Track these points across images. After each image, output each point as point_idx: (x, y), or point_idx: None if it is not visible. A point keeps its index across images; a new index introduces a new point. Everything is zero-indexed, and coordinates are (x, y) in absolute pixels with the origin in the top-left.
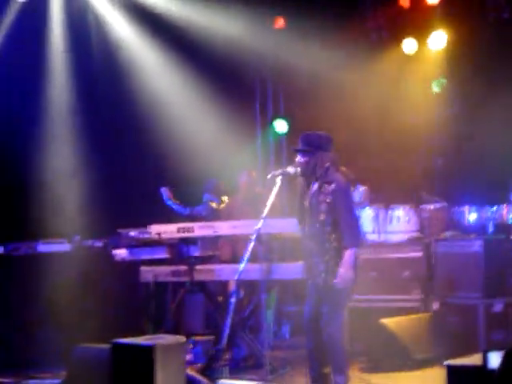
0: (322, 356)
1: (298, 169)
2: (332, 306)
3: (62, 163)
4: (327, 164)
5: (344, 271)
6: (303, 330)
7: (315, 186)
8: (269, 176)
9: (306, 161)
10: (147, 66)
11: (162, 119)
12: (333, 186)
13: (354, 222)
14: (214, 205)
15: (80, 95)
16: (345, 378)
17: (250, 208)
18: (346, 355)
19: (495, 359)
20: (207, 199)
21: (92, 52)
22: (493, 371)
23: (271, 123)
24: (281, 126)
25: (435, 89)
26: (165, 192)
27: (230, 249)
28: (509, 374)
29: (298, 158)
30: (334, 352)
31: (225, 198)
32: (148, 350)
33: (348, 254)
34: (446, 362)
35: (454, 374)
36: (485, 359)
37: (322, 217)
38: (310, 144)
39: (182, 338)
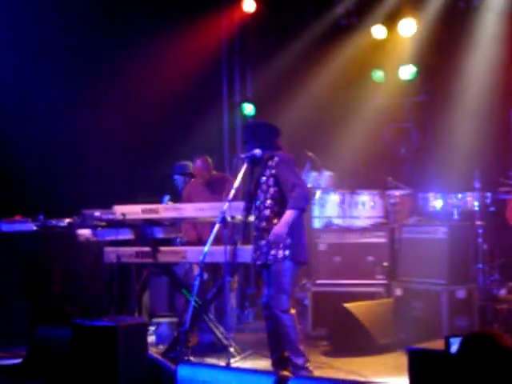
0: (279, 339)
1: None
2: (276, 288)
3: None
4: (272, 151)
5: (278, 227)
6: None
7: (260, 167)
8: (236, 159)
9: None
10: None
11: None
12: (276, 158)
13: (299, 186)
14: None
15: None
16: (303, 359)
17: (209, 190)
18: (298, 337)
19: (457, 344)
20: (177, 181)
21: None
22: (454, 355)
23: (240, 105)
24: (248, 109)
25: (403, 76)
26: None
27: (195, 231)
28: (467, 359)
29: (246, 148)
30: (285, 335)
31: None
32: (110, 331)
33: (287, 213)
34: (408, 347)
35: (415, 358)
36: (447, 344)
37: (272, 190)
38: (254, 133)
39: (144, 319)
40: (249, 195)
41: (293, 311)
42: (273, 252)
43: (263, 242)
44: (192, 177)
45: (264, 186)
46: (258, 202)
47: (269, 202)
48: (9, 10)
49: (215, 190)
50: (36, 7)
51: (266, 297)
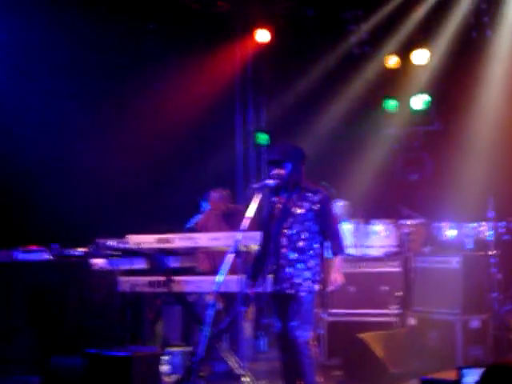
0: (295, 370)
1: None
2: (302, 319)
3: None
4: (301, 175)
5: (338, 276)
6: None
7: (293, 196)
8: (248, 189)
9: (284, 172)
10: None
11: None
12: (319, 195)
13: (340, 230)
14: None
15: None
16: None
17: (224, 222)
18: (316, 369)
19: (470, 375)
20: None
21: None
22: None
23: (254, 135)
24: (262, 139)
25: (415, 105)
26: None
27: (209, 261)
28: None
29: (276, 170)
30: (305, 366)
31: None
32: (125, 361)
33: (338, 260)
34: (422, 377)
35: None
36: (459, 375)
37: (309, 223)
38: (285, 154)
39: (158, 349)
40: (269, 222)
41: (314, 341)
42: (306, 284)
43: (296, 273)
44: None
45: (299, 218)
46: (291, 232)
47: (305, 234)
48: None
49: (230, 221)
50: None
51: (282, 327)
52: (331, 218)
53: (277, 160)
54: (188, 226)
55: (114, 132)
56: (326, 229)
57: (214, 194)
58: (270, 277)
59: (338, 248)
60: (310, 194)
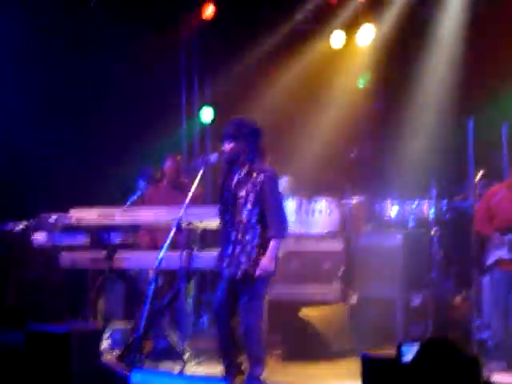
0: (235, 345)
1: (220, 157)
2: (250, 297)
3: None
4: (253, 153)
5: (267, 262)
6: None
7: (241, 175)
8: (192, 165)
9: (232, 148)
10: None
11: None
12: (261, 175)
13: (282, 213)
14: None
15: None
16: (261, 369)
17: (174, 193)
18: (263, 346)
19: (410, 352)
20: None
21: None
22: (406, 364)
23: (198, 111)
24: (207, 114)
25: (360, 84)
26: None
27: (150, 236)
28: (423, 366)
29: (224, 145)
30: (251, 343)
31: None
32: (64, 337)
33: (272, 245)
34: (362, 354)
35: (368, 365)
36: (399, 352)
37: (250, 206)
38: (237, 130)
39: (98, 326)
40: (222, 202)
41: (263, 319)
42: (245, 266)
43: (237, 254)
44: (156, 183)
45: (242, 199)
46: (234, 211)
47: (246, 214)
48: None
49: (181, 194)
50: None
51: (220, 302)
52: (271, 200)
53: (228, 135)
54: (127, 204)
55: (59, 104)
56: (266, 210)
57: (167, 162)
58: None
59: (274, 231)
60: (254, 174)
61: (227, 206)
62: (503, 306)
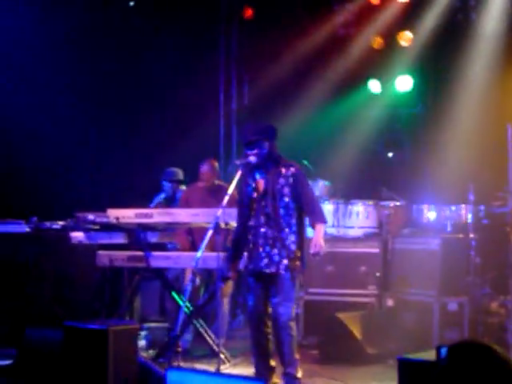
0: (268, 347)
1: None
2: (285, 296)
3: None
4: (276, 152)
5: (318, 240)
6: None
7: (270, 173)
8: (231, 165)
9: (258, 151)
10: None
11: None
12: (292, 169)
13: (318, 201)
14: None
15: None
16: (296, 368)
17: (210, 198)
18: (296, 346)
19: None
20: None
21: None
22: (440, 366)
23: (237, 113)
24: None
25: (400, 87)
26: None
27: (188, 237)
28: (454, 368)
29: (251, 150)
30: (286, 344)
31: (182, 187)
32: (101, 334)
33: (319, 228)
34: (399, 357)
35: (405, 368)
36: (438, 354)
37: (287, 199)
38: (260, 134)
39: (135, 323)
40: (248, 201)
41: (296, 319)
42: (285, 262)
43: (275, 251)
44: (180, 183)
45: (277, 195)
46: (269, 210)
47: (283, 211)
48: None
49: (217, 197)
50: None
51: (258, 305)
52: (307, 190)
53: (254, 140)
54: (151, 205)
55: (93, 106)
56: (304, 201)
57: (204, 166)
58: (247, 254)
59: (317, 217)
60: (283, 170)
61: (253, 209)
62: None
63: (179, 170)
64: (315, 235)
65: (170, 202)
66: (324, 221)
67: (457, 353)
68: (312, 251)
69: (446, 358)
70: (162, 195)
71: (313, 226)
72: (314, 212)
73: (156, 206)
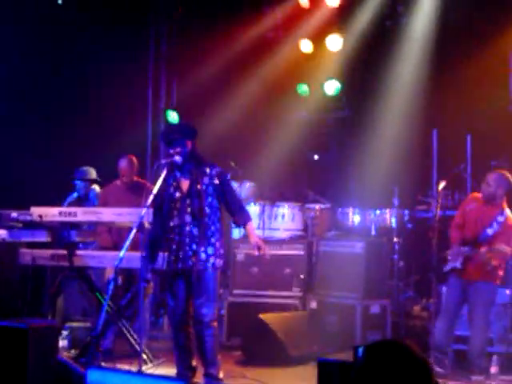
0: (190, 348)
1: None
2: (209, 296)
3: None
4: (197, 151)
5: (257, 240)
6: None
7: (194, 173)
8: (156, 165)
9: (180, 150)
10: None
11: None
12: (217, 169)
13: (241, 199)
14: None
15: None
16: (218, 369)
17: (129, 194)
18: (218, 346)
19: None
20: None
21: None
22: (356, 365)
23: (164, 112)
24: (173, 117)
25: (328, 91)
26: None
27: (110, 236)
28: (366, 370)
29: (177, 149)
30: (208, 344)
31: (95, 187)
32: (21, 332)
33: (253, 228)
34: (319, 358)
35: (325, 369)
36: (355, 354)
37: (210, 199)
38: (181, 133)
39: (56, 323)
40: (169, 201)
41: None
42: (211, 260)
43: (202, 249)
44: (92, 183)
45: (202, 193)
46: (194, 209)
47: (207, 209)
48: None
49: (135, 194)
50: None
51: (178, 306)
52: (232, 190)
53: (176, 138)
54: (64, 204)
55: (19, 103)
56: (230, 200)
57: (123, 162)
58: (169, 255)
59: (246, 216)
60: (207, 169)
61: (176, 208)
62: (452, 312)
63: (91, 169)
64: (252, 236)
65: (83, 201)
66: (251, 218)
67: (372, 352)
68: (257, 253)
69: (362, 358)
70: (75, 194)
71: (243, 226)
72: (241, 211)
73: (69, 206)
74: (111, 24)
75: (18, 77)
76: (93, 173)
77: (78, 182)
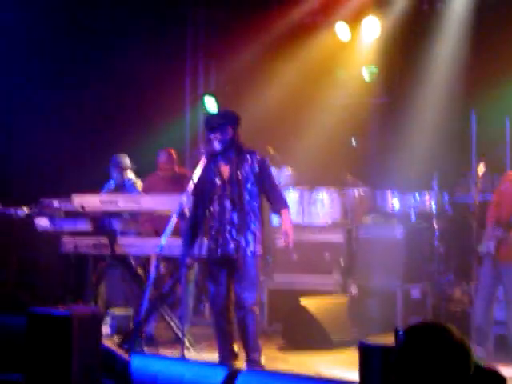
0: (232, 334)
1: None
2: (250, 282)
3: None
4: (238, 139)
5: (288, 228)
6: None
7: (234, 160)
8: (196, 153)
9: (222, 137)
10: None
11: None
12: (257, 156)
13: (279, 186)
14: (138, 184)
15: None
16: (259, 354)
17: (172, 186)
18: (259, 330)
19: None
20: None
21: None
22: (396, 348)
23: (202, 99)
24: (210, 103)
25: (366, 77)
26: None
27: (151, 223)
28: (406, 352)
29: (213, 135)
30: (249, 328)
31: (129, 173)
32: (65, 320)
33: (288, 213)
34: (360, 342)
35: (367, 352)
36: (396, 338)
37: (251, 185)
38: (223, 119)
39: (99, 310)
40: (210, 187)
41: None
42: (251, 247)
43: (241, 236)
44: (127, 170)
45: (243, 180)
46: (234, 196)
47: (247, 197)
48: None
49: (177, 185)
50: None
51: (220, 291)
52: (271, 177)
53: (218, 125)
54: (102, 192)
55: (56, 93)
56: (268, 187)
57: (162, 155)
58: (209, 241)
59: (283, 203)
60: (247, 156)
61: (217, 194)
62: (487, 293)
63: (126, 157)
64: (285, 223)
65: (120, 188)
66: (288, 206)
67: (411, 334)
68: (283, 242)
69: (401, 340)
70: (112, 182)
71: (278, 212)
72: (279, 198)
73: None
74: (149, 13)
75: (59, 65)
76: (126, 160)
77: (112, 170)
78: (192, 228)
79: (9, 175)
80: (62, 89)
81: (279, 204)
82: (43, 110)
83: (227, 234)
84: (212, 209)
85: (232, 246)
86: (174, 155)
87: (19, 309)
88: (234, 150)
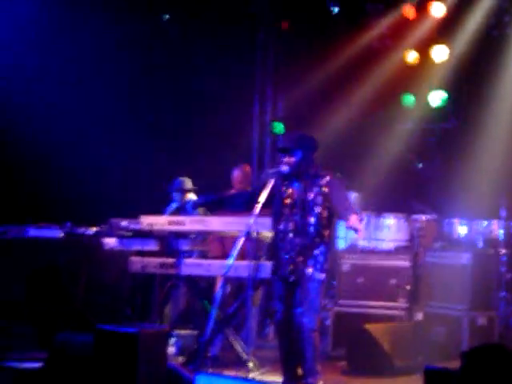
0: (296, 357)
1: (282, 169)
2: (309, 306)
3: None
4: (312, 163)
5: (357, 224)
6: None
7: (302, 183)
8: (263, 174)
9: (294, 160)
10: None
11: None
12: (327, 178)
13: (350, 199)
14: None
15: None
16: (316, 380)
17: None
18: (317, 358)
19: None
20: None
21: None
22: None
23: (270, 124)
24: (278, 129)
25: (433, 101)
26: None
27: (220, 244)
28: (468, 373)
29: (287, 158)
30: (307, 353)
31: (190, 195)
32: (132, 337)
33: (355, 216)
34: (426, 366)
35: (432, 377)
36: (463, 360)
37: (318, 209)
38: (295, 142)
39: (165, 328)
40: (279, 207)
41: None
42: (310, 270)
43: (301, 259)
44: (188, 192)
45: (309, 203)
46: (297, 217)
47: (313, 219)
48: None
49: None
50: None
51: (285, 314)
52: (339, 191)
53: (287, 148)
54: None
55: (129, 113)
56: (335, 201)
57: (236, 172)
58: (273, 262)
59: (352, 210)
60: (318, 179)
61: (283, 214)
62: None
63: (187, 179)
64: (352, 221)
65: (181, 210)
66: (358, 212)
67: (474, 355)
68: (347, 226)
69: (464, 361)
70: (174, 205)
71: (345, 219)
72: (347, 208)
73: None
74: (219, 38)
75: (131, 87)
76: (188, 183)
77: (174, 193)
78: (271, 249)
79: (79, 194)
80: (133, 111)
81: (347, 212)
82: (118, 130)
83: (286, 255)
84: (277, 231)
85: (290, 267)
86: (249, 172)
87: (87, 327)
88: (305, 174)
